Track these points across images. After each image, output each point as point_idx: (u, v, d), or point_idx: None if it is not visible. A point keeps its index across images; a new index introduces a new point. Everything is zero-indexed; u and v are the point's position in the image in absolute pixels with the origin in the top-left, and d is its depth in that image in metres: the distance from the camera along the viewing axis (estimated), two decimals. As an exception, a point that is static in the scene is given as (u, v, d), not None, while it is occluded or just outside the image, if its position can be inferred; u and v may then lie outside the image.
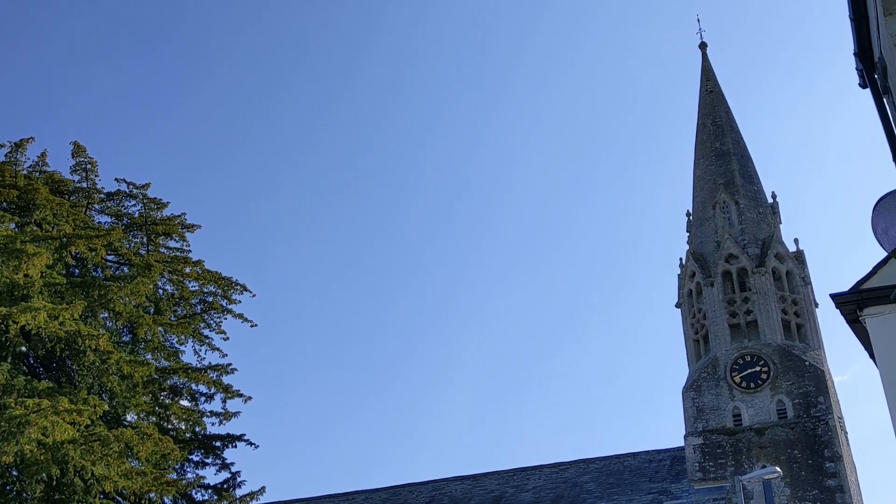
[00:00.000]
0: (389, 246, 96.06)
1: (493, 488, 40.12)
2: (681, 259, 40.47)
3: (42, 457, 13.31)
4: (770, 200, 40.18)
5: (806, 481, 32.32)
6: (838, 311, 11.01)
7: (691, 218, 41.29)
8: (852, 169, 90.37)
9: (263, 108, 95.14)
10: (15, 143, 19.60)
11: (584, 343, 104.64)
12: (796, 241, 39.26)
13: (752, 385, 35.26)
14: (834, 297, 10.88)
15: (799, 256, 38.82)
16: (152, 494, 16.70)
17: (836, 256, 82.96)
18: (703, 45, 44.56)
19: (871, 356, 11.33)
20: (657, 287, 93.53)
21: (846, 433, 35.60)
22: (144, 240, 19.95)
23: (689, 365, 38.63)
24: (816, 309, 38.73)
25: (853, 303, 10.72)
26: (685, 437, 35.49)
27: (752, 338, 36.73)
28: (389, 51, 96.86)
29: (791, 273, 38.23)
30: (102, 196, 20.76)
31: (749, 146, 42.81)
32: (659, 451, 38.01)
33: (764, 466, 29.39)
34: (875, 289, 10.50)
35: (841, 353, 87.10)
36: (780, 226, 39.78)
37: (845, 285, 11.02)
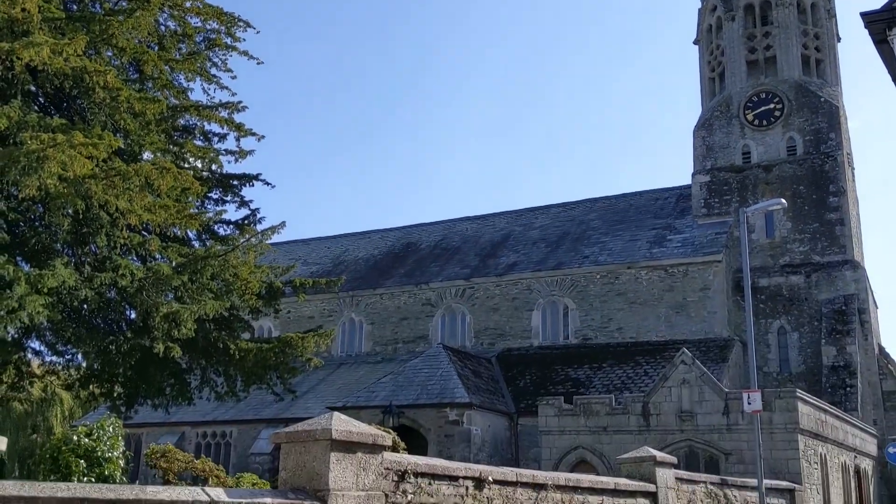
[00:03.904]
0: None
1: (502, 227, 41.57)
2: (702, -8, 38.60)
3: (65, 190, 13.59)
4: (801, -77, 37.43)
5: (808, 215, 33.21)
6: (867, 31, 10.59)
7: (716, -54, 38.73)
8: None
9: None
10: None
11: (597, 81, 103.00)
12: (825, -32, 37.13)
13: (765, 122, 35.11)
14: (864, 15, 10.42)
15: (826, -14, 36.92)
16: (176, 228, 17.26)
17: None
18: None
19: (895, 79, 11.10)
20: (675, 23, 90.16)
21: (853, 169, 35.98)
22: (140, -27, 18.90)
23: (702, 104, 38.24)
24: (839, 44, 37.54)
25: (883, 21, 10.28)
26: (692, 174, 35.98)
27: (769, 74, 35.99)
28: None
29: (816, 5, 36.60)
30: (91, -76, 19.37)
31: None
32: (665, 189, 38.77)
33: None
34: (908, 6, 10.01)
35: (855, 94, 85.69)
36: (810, -47, 37.35)
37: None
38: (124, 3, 17.05)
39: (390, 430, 15.79)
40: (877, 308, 35.92)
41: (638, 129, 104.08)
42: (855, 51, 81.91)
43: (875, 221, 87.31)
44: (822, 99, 34.55)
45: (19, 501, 4.76)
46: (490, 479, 8.30)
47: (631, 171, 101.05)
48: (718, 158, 35.57)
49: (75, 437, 11.39)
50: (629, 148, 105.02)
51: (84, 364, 18.22)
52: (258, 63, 19.82)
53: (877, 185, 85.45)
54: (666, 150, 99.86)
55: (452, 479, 7.83)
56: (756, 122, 35.21)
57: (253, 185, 20.51)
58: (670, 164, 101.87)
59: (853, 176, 35.76)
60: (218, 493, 5.65)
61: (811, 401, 22.46)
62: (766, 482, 17.27)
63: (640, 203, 38.42)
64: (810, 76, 35.62)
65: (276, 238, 19.76)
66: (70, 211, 14.86)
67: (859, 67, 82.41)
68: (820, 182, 33.31)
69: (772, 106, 35.03)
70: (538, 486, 9.14)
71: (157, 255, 17.13)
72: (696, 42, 39.46)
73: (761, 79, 35.93)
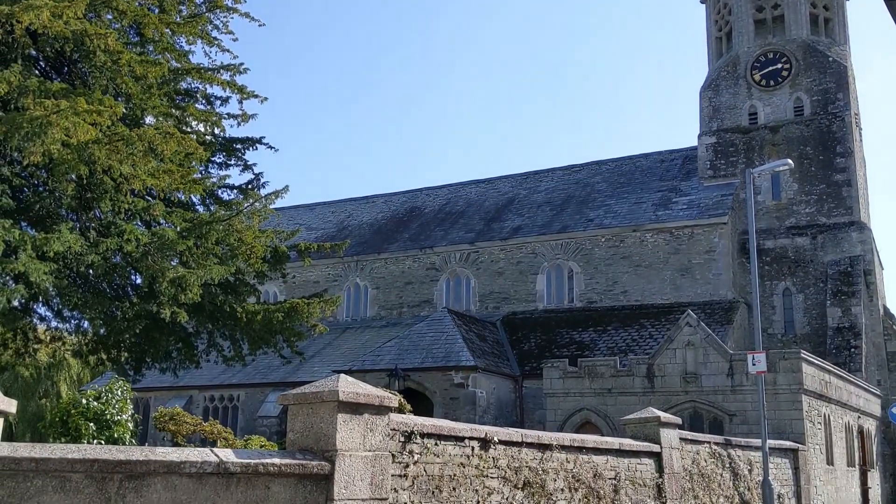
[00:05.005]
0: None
1: (507, 190, 41.41)
2: (709, -51, 37.96)
3: (69, 156, 13.53)
4: None
5: (815, 177, 33.02)
6: (878, -13, 10.39)
7: None
8: None
9: None
10: None
11: (602, 42, 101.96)
12: (836, -77, 36.43)
13: (772, 83, 34.78)
14: (876, -30, 10.22)
15: (837, -60, 36.29)
16: (180, 193, 17.21)
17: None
18: None
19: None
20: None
21: (860, 130, 35.69)
22: (138, -66, 18.63)
23: (709, 64, 37.83)
24: (847, 2, 37.01)
25: (895, -23, 10.08)
26: (699, 136, 35.73)
27: (776, 33, 35.56)
28: None
29: (825, -37, 36.01)
30: None
31: None
32: (671, 152, 38.52)
33: (775, 162, 29.79)
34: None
35: (864, 54, 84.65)
36: None
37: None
38: (123, -35, 16.86)
39: (396, 393, 15.92)
40: (882, 269, 35.85)
41: (644, 90, 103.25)
42: (864, 9, 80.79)
43: (882, 183, 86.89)
44: (831, 58, 34.16)
45: (31, 463, 4.80)
46: (496, 439, 8.35)
47: (637, 134, 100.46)
48: (725, 119, 35.29)
49: (84, 401, 11.49)
50: (635, 110, 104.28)
51: (90, 330, 18.31)
52: (260, 25, 19.62)
53: (884, 147, 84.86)
54: (672, 112, 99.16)
55: (458, 439, 7.89)
56: (763, 82, 34.86)
57: (256, 149, 20.39)
58: (676, 126, 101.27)
59: (860, 137, 35.47)
60: (227, 454, 5.70)
61: (815, 362, 22.52)
62: (770, 442, 17.39)
63: (646, 165, 38.21)
64: (819, 35, 35.18)
65: (279, 203, 19.70)
66: (74, 176, 14.82)
67: (869, 27, 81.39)
68: (827, 143, 33.05)
69: (779, 66, 34.66)
70: (543, 447, 9.21)
71: (162, 221, 17.11)
72: (703, 1, 38.95)
73: (769, 38, 35.50)
